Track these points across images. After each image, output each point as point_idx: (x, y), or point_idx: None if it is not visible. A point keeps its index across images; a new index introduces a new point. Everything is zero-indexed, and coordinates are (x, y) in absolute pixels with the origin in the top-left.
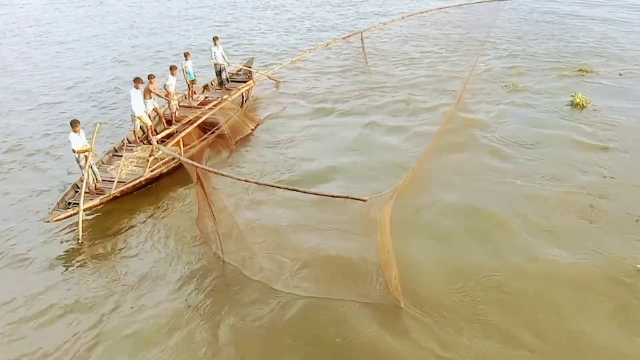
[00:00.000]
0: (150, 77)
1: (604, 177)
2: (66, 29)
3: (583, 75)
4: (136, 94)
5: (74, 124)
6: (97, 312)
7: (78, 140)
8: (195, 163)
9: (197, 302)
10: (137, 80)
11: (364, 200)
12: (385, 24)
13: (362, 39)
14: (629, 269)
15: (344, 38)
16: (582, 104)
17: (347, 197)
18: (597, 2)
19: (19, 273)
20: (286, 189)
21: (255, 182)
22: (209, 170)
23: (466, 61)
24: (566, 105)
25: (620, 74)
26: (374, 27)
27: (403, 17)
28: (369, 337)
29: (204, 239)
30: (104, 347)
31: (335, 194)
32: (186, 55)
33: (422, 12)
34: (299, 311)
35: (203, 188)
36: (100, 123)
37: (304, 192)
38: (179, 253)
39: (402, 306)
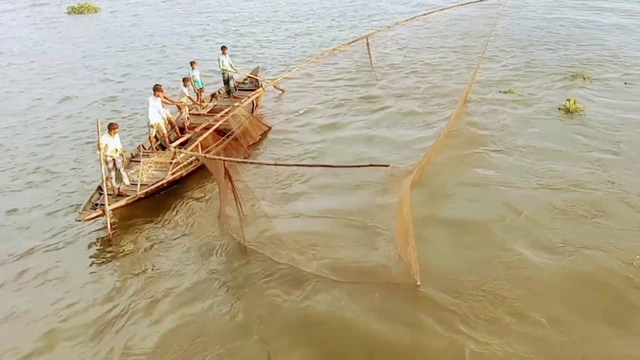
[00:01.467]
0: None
1: (610, 182)
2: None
3: (583, 81)
4: (154, 102)
5: (110, 127)
6: (128, 298)
7: (108, 142)
8: (222, 157)
9: (225, 287)
10: (156, 89)
11: (386, 166)
12: (389, 27)
13: (367, 44)
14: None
15: (349, 43)
16: (574, 109)
17: (370, 165)
18: (607, 8)
19: (61, 263)
20: (313, 165)
21: (284, 164)
22: (238, 161)
23: (468, 64)
24: (559, 109)
25: (626, 83)
26: (379, 30)
27: (407, 20)
28: (387, 315)
29: (227, 231)
30: (146, 323)
31: (360, 164)
32: (192, 64)
33: (425, 14)
34: (320, 293)
35: (231, 181)
36: (98, 120)
37: (329, 166)
38: (203, 245)
39: (419, 284)
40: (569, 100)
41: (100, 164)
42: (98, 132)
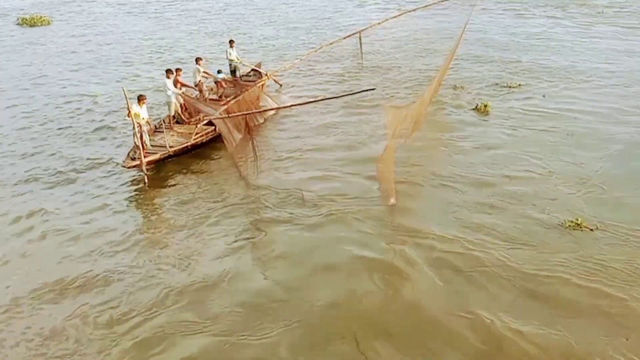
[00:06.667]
0: (178, 70)
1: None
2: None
3: (509, 89)
4: (170, 84)
5: (139, 98)
6: (163, 234)
7: (138, 110)
8: (244, 112)
9: (250, 220)
10: (169, 71)
11: (373, 89)
12: (379, 23)
13: (359, 39)
14: None
15: (344, 38)
16: (483, 110)
17: (362, 91)
18: (551, 28)
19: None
20: (316, 101)
21: (300, 104)
22: (259, 112)
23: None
24: (473, 109)
25: (544, 95)
26: (370, 26)
27: (395, 17)
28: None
29: (243, 175)
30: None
31: (351, 92)
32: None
33: (411, 10)
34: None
35: (251, 134)
36: (124, 87)
37: (329, 98)
38: (226, 190)
39: (394, 203)
40: (481, 102)
41: (133, 126)
42: (126, 98)
